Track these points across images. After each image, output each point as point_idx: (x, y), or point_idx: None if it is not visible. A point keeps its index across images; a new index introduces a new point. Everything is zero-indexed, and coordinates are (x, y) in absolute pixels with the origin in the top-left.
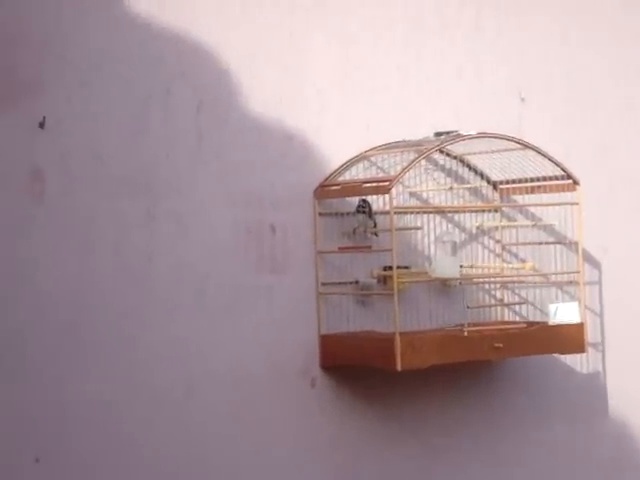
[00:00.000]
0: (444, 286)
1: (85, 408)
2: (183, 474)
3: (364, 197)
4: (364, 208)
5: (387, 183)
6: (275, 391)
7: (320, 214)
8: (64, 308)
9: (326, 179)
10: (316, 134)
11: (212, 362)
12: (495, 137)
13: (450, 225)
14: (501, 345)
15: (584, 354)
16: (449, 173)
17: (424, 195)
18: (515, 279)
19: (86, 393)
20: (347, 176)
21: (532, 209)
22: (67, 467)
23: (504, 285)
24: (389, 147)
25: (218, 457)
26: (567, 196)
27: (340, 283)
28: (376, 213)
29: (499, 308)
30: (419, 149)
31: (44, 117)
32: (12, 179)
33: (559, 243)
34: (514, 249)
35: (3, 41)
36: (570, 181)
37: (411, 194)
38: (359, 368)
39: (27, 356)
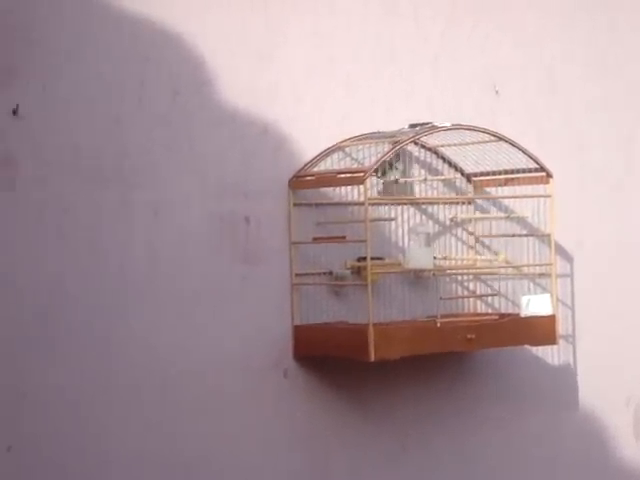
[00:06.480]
0: (417, 277)
1: (57, 402)
2: (158, 468)
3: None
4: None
5: (362, 174)
6: (248, 382)
7: (294, 205)
8: (36, 298)
9: (300, 170)
10: (291, 125)
11: (186, 353)
12: (469, 129)
13: (424, 217)
14: (473, 336)
15: (555, 346)
16: (423, 165)
17: None
18: (488, 271)
19: (59, 387)
20: (322, 167)
21: (505, 201)
22: (39, 462)
23: (477, 277)
24: (364, 138)
25: (192, 450)
26: (540, 189)
27: (314, 274)
28: (350, 204)
29: (472, 300)
30: (394, 140)
31: (17, 104)
32: None
33: (532, 235)
34: (487, 241)
35: None
36: (543, 173)
37: None
38: (332, 359)
39: None
